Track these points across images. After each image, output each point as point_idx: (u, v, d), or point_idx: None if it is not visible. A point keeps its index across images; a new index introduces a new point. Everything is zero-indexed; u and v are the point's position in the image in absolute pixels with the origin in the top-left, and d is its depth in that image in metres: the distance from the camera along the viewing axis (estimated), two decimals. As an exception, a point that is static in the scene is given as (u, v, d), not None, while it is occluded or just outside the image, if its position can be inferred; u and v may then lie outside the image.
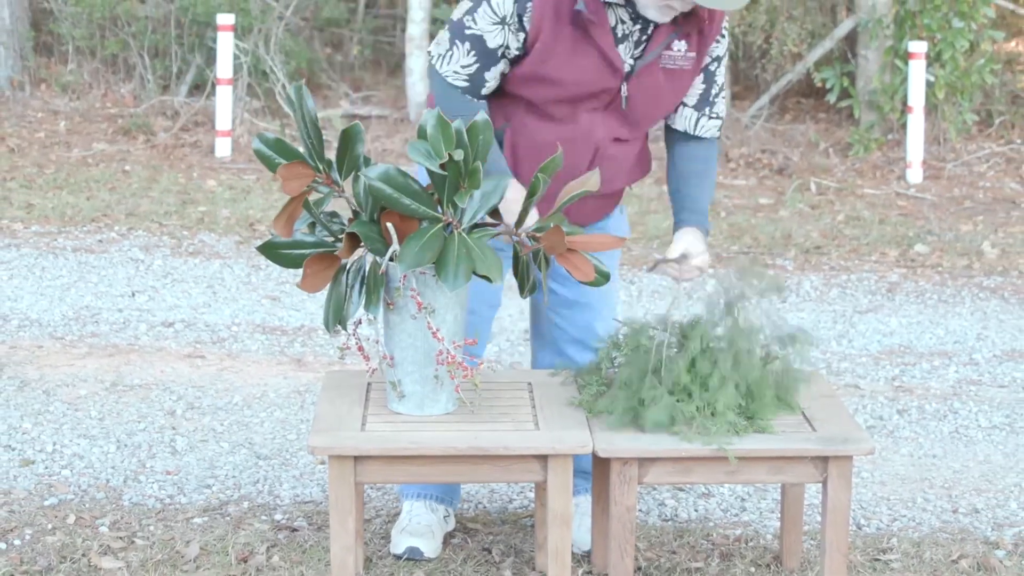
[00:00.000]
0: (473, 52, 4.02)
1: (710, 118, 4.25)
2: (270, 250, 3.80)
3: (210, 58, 11.53)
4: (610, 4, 4.00)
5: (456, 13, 4.05)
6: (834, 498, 3.83)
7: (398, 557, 4.27)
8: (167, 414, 5.53)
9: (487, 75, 4.05)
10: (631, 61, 4.06)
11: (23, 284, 7.30)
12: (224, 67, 10.72)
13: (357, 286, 3.77)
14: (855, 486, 4.93)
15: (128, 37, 11.92)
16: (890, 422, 5.64)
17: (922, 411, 5.77)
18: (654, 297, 7.40)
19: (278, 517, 4.60)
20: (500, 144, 4.12)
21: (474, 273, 3.68)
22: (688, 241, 4.15)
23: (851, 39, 11.67)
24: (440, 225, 3.69)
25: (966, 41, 10.79)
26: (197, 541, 4.38)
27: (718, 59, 4.20)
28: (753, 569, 4.29)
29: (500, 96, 4.12)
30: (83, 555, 4.27)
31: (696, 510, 4.76)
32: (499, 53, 4.02)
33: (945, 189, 10.17)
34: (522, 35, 4.00)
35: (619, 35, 4.04)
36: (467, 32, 4.01)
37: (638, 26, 4.04)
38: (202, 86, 11.71)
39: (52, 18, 12.32)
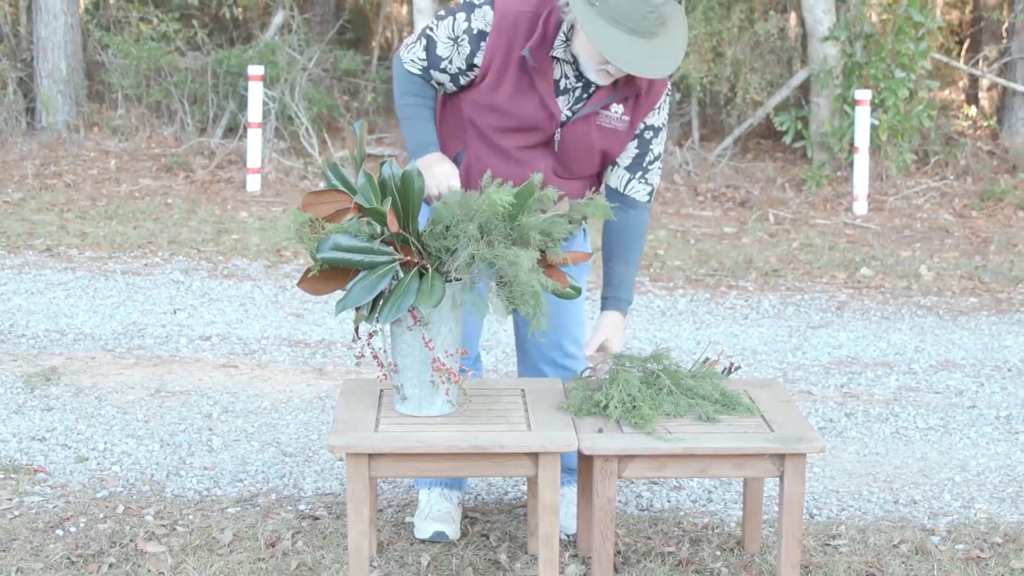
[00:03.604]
0: (424, 51, 4.06)
1: (639, 181, 4.15)
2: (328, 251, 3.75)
3: (242, 104, 11.56)
4: (557, 59, 3.98)
5: (432, 20, 4.11)
6: (790, 490, 3.84)
7: (424, 541, 4.28)
8: (204, 417, 5.54)
9: (433, 73, 4.07)
10: (568, 112, 4.03)
11: (78, 303, 7.31)
12: (254, 112, 10.73)
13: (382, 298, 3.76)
14: (808, 480, 4.94)
15: (170, 86, 11.94)
16: (839, 424, 5.65)
17: (867, 414, 5.78)
18: (632, 315, 7.40)
19: (302, 507, 4.60)
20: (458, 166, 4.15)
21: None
22: (607, 330, 4.12)
23: (805, 88, 11.71)
24: (388, 267, 3.70)
25: (906, 90, 10.82)
26: (231, 528, 4.38)
27: (653, 128, 4.11)
28: (719, 553, 4.29)
29: (459, 123, 4.11)
30: (130, 540, 4.27)
31: (669, 501, 4.76)
32: (441, 64, 4.04)
33: (887, 220, 10.19)
34: (464, 61, 4.01)
35: (562, 87, 4.01)
36: (427, 33, 4.07)
37: (581, 83, 4.01)
38: (235, 129, 11.73)
39: (104, 69, 12.34)
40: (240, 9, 13.81)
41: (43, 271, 7.94)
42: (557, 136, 4.03)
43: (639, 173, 4.14)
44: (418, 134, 4.10)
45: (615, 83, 3.99)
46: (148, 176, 10.77)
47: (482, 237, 3.74)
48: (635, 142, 4.12)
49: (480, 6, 3.99)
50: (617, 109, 4.04)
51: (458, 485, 4.46)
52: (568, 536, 4.35)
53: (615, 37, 3.80)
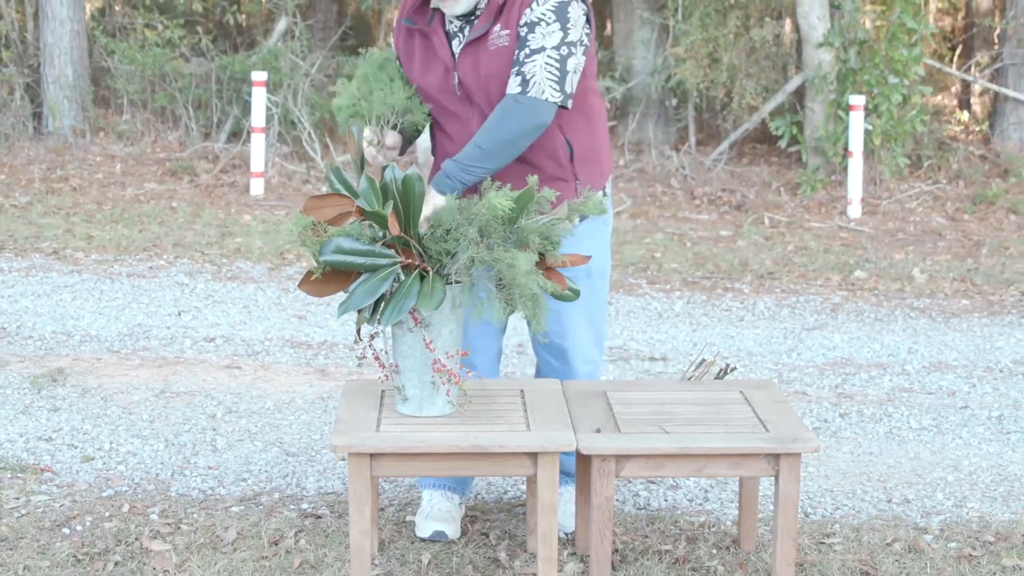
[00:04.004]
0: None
1: (512, 75, 3.96)
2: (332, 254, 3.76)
3: (246, 109, 11.56)
4: (435, 9, 4.09)
5: None
6: (785, 490, 3.85)
7: (425, 540, 4.29)
8: (209, 417, 5.54)
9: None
10: (458, 51, 4.09)
11: (84, 305, 7.31)
12: (258, 117, 10.74)
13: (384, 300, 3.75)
14: (803, 479, 4.94)
15: (175, 91, 11.95)
16: (833, 424, 5.65)
17: (861, 415, 5.78)
18: (629, 316, 7.41)
19: (304, 506, 4.61)
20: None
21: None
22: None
23: (800, 93, 11.71)
24: (390, 270, 3.70)
25: (899, 95, 10.83)
26: (234, 527, 4.38)
27: (527, 24, 3.97)
28: (715, 551, 4.30)
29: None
30: (136, 539, 4.28)
31: (665, 500, 4.77)
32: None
33: (881, 223, 10.19)
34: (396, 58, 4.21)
35: (451, 34, 4.09)
36: None
37: (461, 20, 4.08)
38: (239, 134, 11.73)
39: (109, 75, 12.34)
40: (244, 16, 13.82)
41: (50, 273, 7.95)
42: (455, 80, 4.08)
43: (515, 68, 3.98)
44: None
45: (499, 12, 4.01)
46: (153, 180, 10.77)
47: (482, 240, 3.74)
48: (516, 44, 4.02)
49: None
50: (496, 29, 4.04)
51: (461, 488, 4.46)
52: (566, 534, 4.35)
53: None
